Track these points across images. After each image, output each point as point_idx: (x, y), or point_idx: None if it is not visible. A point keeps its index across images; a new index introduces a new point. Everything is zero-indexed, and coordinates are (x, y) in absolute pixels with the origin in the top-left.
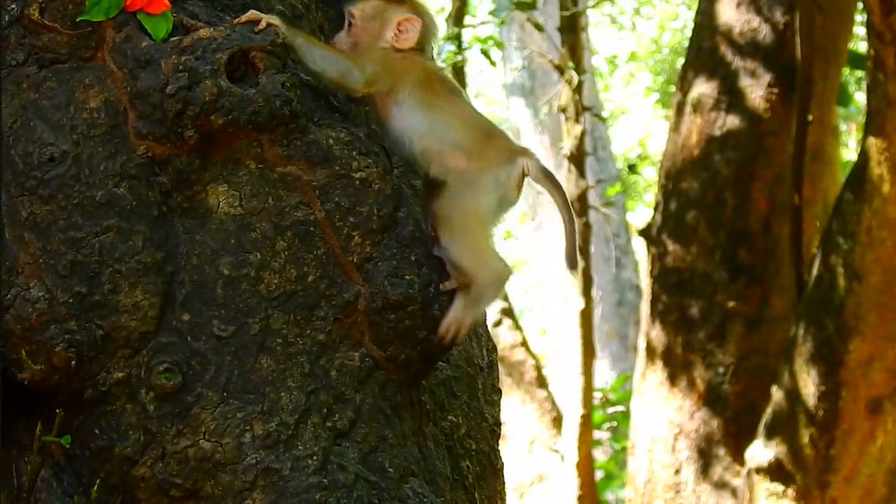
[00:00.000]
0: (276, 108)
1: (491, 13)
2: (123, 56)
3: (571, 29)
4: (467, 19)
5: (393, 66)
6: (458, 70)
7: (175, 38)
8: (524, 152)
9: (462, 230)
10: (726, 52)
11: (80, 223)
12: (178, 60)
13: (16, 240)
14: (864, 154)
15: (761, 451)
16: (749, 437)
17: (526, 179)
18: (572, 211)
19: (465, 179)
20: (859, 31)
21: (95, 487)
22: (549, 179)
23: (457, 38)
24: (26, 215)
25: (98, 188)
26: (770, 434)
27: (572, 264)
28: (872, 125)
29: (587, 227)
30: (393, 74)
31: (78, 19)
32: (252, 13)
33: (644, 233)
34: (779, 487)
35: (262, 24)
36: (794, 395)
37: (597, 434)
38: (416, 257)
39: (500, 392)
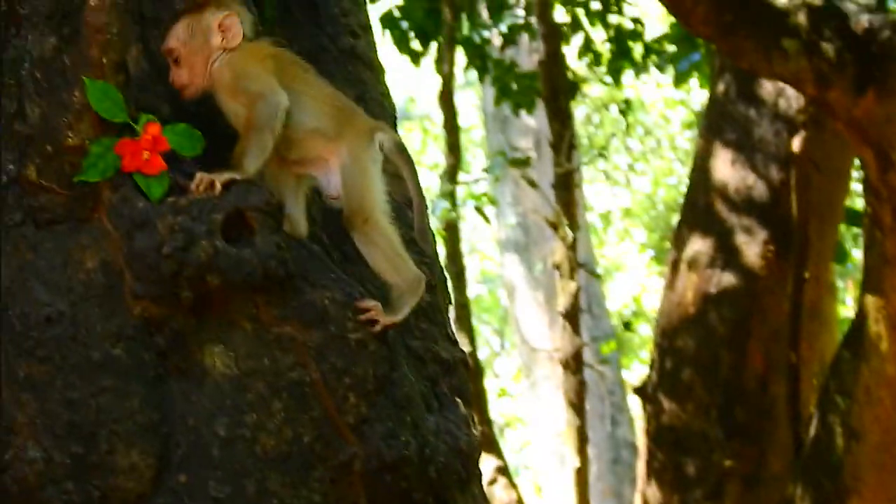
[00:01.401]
0: (271, 269)
1: (485, 170)
2: (120, 217)
3: (565, 185)
4: (461, 176)
5: (249, 66)
6: (452, 226)
7: (171, 199)
8: (379, 128)
9: (370, 211)
10: (721, 208)
11: (77, 384)
12: (174, 221)
13: (13, 400)
14: (861, 312)
15: None
16: None
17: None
18: (421, 189)
19: (351, 168)
20: (856, 187)
21: None
22: (402, 155)
23: (451, 195)
24: (24, 375)
25: (95, 349)
26: None
27: (423, 239)
28: (870, 283)
29: (582, 384)
30: (259, 70)
31: (75, 180)
32: (201, 179)
33: (639, 391)
34: None
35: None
36: None
37: None
38: (411, 418)
39: None
